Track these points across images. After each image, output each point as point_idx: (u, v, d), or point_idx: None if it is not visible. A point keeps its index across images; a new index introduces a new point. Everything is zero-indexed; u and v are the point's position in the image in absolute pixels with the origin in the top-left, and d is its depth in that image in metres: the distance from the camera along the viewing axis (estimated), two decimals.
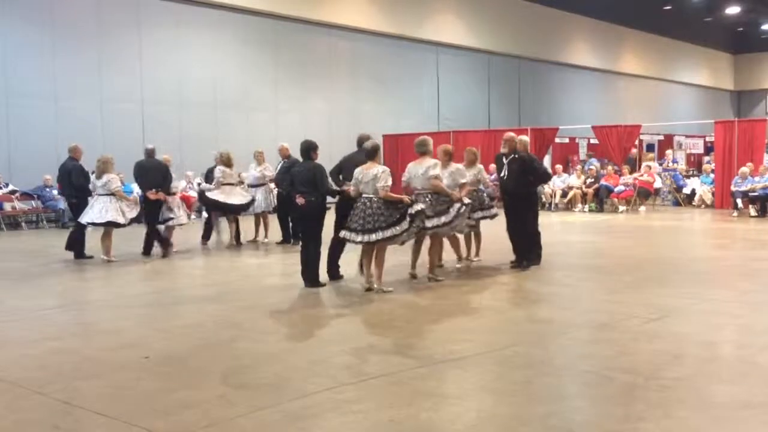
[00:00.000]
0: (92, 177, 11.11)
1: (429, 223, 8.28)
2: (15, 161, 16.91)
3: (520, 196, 9.38)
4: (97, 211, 10.75)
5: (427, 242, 8.91)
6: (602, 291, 8.24)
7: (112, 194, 10.78)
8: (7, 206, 16.26)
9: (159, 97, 19.32)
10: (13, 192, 16.40)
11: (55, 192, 16.66)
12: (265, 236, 12.81)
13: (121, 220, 10.77)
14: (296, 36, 22.36)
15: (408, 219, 7.89)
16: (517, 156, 9.27)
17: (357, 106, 24.09)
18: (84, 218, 10.88)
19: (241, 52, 21.34)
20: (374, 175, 7.83)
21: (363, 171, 7.96)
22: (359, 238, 7.89)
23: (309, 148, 8.59)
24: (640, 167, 20.72)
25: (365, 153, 8.15)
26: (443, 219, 8.36)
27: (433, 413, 4.29)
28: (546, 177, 10.28)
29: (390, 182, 7.84)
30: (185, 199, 13.49)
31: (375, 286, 7.97)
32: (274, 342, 6.09)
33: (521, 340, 6.03)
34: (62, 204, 16.30)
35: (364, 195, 7.97)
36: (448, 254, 9.72)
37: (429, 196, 8.41)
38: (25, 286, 8.94)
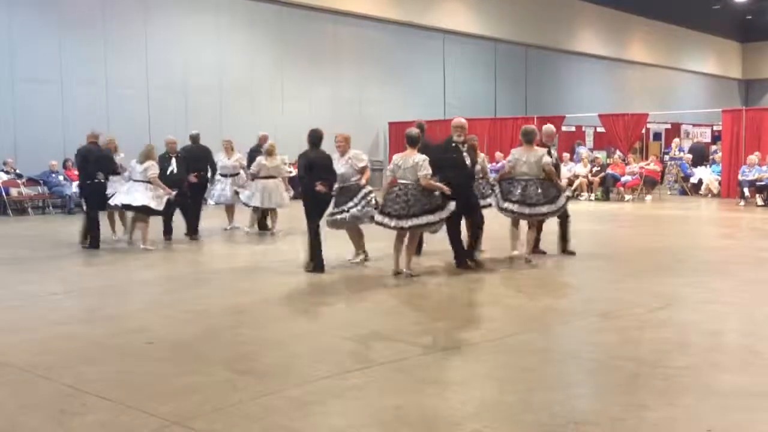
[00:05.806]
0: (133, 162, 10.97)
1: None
2: (21, 147, 16.91)
3: None
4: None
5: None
6: (607, 279, 8.23)
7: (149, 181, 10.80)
8: (14, 192, 16.29)
9: (164, 83, 19.29)
10: (18, 176, 16.43)
11: (61, 178, 16.68)
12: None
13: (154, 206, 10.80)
14: (302, 22, 22.26)
15: (444, 209, 7.92)
16: None
17: (362, 93, 24.02)
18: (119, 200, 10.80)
19: (247, 39, 21.26)
20: (415, 163, 7.95)
21: (402, 158, 8.10)
22: (393, 223, 7.97)
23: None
24: (646, 156, 20.63)
25: (408, 140, 8.17)
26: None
27: (437, 400, 4.30)
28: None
29: (430, 171, 7.89)
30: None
31: (404, 270, 8.06)
32: (279, 328, 6.10)
33: (526, 328, 6.03)
34: (68, 190, 16.32)
35: (401, 181, 8.06)
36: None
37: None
38: (31, 272, 8.96)
